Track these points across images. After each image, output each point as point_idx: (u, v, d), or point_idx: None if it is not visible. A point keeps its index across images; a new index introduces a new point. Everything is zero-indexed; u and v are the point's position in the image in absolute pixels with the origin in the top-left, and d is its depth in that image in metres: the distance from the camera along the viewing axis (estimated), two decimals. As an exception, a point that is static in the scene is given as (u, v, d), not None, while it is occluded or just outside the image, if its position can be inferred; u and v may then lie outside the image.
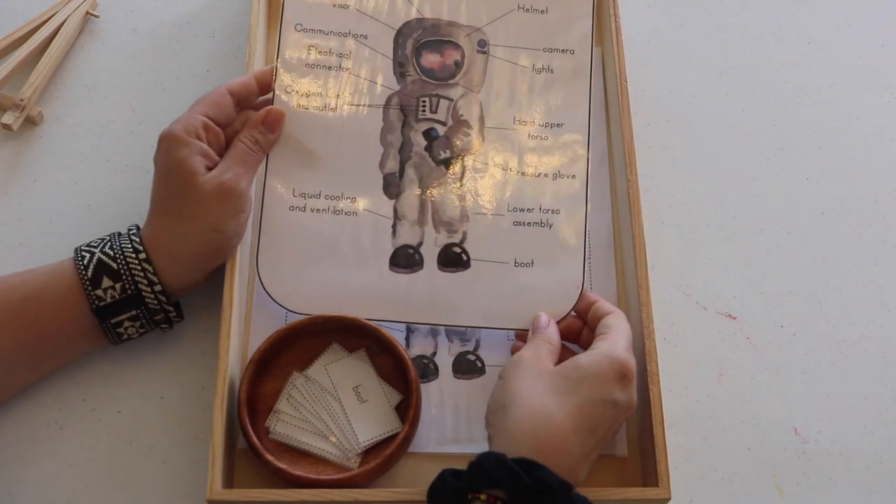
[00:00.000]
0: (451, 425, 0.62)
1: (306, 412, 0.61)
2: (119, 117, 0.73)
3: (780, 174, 0.73)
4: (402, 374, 0.61)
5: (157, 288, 0.59)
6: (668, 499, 0.57)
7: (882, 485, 0.62)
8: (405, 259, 0.64)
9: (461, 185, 0.65)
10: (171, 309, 0.60)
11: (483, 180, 0.66)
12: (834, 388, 0.65)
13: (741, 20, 0.80)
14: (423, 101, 0.67)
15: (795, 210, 0.72)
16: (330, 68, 0.66)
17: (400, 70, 0.67)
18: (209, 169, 0.60)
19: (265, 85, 0.65)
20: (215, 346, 0.60)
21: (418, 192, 0.65)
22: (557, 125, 0.67)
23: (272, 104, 0.64)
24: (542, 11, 0.68)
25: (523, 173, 0.66)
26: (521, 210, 0.65)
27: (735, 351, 0.66)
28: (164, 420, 0.62)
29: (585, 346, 0.60)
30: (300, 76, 0.66)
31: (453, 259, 0.64)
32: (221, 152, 0.62)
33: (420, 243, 0.64)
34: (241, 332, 0.64)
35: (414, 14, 0.68)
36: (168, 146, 0.59)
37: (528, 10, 0.68)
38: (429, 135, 0.66)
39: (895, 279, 0.69)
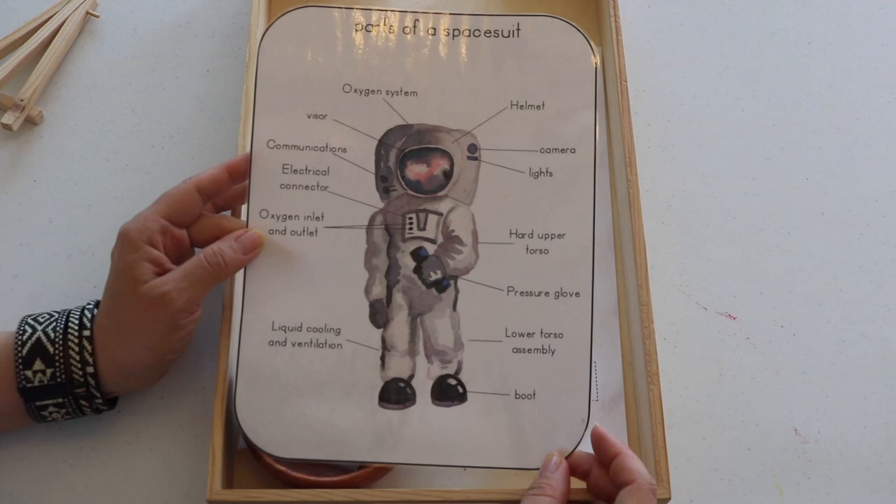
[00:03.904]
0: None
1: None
2: (119, 117, 0.73)
3: (780, 174, 0.73)
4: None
5: (92, 382, 0.57)
6: (669, 499, 0.57)
7: (882, 485, 0.62)
8: (396, 394, 0.59)
9: (455, 310, 0.60)
10: (102, 402, 0.58)
11: (478, 303, 0.60)
12: (834, 388, 0.65)
13: (741, 20, 0.80)
14: (410, 218, 0.61)
15: (795, 210, 0.72)
16: (307, 188, 0.60)
17: (383, 185, 0.61)
18: (158, 275, 0.56)
19: (239, 174, 0.60)
20: (214, 346, 0.60)
21: (408, 319, 0.60)
22: (559, 235, 0.60)
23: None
24: (538, 107, 0.62)
25: (522, 293, 0.60)
26: (521, 335, 0.59)
27: (735, 351, 0.66)
28: (164, 420, 0.62)
29: (595, 489, 0.56)
30: (274, 198, 0.60)
31: (449, 392, 0.59)
32: (182, 257, 0.59)
33: (411, 376, 0.59)
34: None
35: (396, 121, 0.62)
36: (121, 246, 0.57)
37: (522, 106, 0.62)
38: (417, 255, 0.60)
39: (895, 279, 0.69)
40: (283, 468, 0.58)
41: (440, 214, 0.61)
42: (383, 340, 0.59)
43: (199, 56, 0.76)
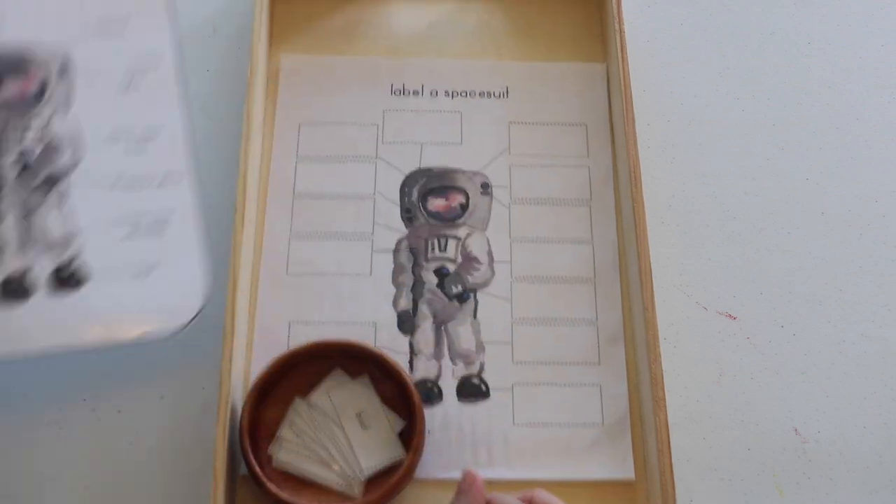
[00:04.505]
0: (457, 450, 0.62)
1: (309, 439, 0.60)
2: (119, 117, 0.73)
3: (780, 174, 0.73)
4: (405, 400, 0.60)
5: None
6: None
7: (882, 485, 0.62)
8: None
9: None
10: None
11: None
12: (834, 388, 0.65)
13: (741, 20, 0.80)
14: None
15: (795, 210, 0.72)
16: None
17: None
18: None
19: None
20: (215, 346, 0.60)
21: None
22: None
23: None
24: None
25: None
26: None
27: (735, 351, 0.66)
28: (164, 420, 0.62)
29: None
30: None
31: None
32: None
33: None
34: (244, 356, 0.63)
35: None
36: None
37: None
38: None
39: (895, 279, 0.69)
40: (285, 496, 0.57)
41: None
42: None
43: (200, 56, 0.76)
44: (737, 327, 0.67)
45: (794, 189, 0.72)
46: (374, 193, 0.69)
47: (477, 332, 0.65)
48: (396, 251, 0.68)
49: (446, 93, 0.73)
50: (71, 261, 0.60)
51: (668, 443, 0.58)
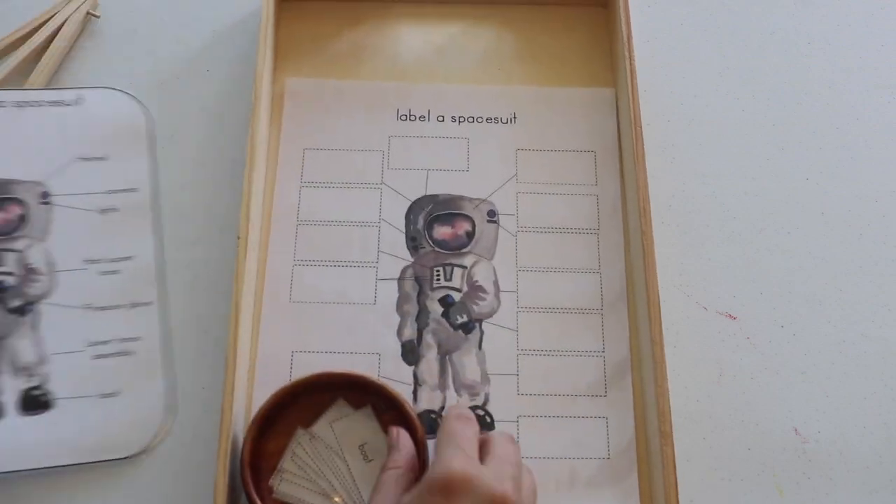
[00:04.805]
0: None
1: (311, 471, 0.59)
2: (119, 117, 0.73)
3: (780, 174, 0.73)
4: (409, 432, 0.59)
5: None
6: None
7: (882, 485, 0.62)
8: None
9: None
10: None
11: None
12: (834, 388, 0.65)
13: (741, 20, 0.80)
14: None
15: (795, 210, 0.72)
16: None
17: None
18: None
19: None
20: (214, 346, 0.60)
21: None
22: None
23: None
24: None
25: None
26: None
27: (735, 351, 0.66)
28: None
29: None
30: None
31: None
32: None
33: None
34: (245, 386, 0.62)
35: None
36: None
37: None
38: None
39: (895, 279, 0.69)
40: None
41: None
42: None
43: (199, 56, 0.76)
44: (737, 327, 0.67)
45: (794, 189, 0.72)
46: (379, 220, 0.68)
47: (482, 362, 0.65)
48: (401, 279, 0.67)
49: (453, 118, 0.72)
50: (40, 384, 0.62)
51: (675, 480, 0.57)
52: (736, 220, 0.71)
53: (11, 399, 0.62)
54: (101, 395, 0.62)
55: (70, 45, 0.75)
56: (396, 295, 0.66)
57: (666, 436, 0.58)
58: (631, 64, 0.70)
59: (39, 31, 0.74)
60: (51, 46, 0.74)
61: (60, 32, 0.75)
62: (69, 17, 0.75)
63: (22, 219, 0.67)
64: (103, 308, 0.65)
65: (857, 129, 0.75)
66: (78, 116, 0.71)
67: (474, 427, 0.55)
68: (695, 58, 0.78)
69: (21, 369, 0.63)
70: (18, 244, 0.66)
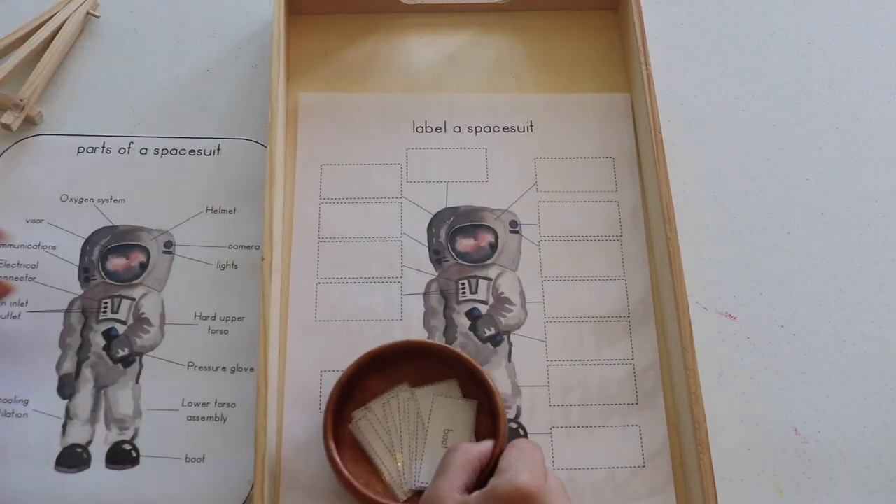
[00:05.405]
0: None
1: (392, 424, 0.60)
2: (118, 117, 0.73)
3: (780, 174, 0.73)
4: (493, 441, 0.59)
5: None
6: None
7: (882, 485, 0.62)
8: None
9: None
10: None
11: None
12: (834, 388, 0.65)
13: (741, 20, 0.80)
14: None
15: (795, 210, 0.72)
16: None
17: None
18: None
19: None
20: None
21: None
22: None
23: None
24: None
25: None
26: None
27: (735, 351, 0.66)
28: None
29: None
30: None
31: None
32: None
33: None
34: (276, 406, 0.62)
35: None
36: None
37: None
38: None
39: (895, 279, 0.69)
40: (335, 457, 0.57)
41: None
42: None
43: (200, 56, 0.76)
44: (737, 327, 0.67)
45: (794, 189, 0.72)
46: (401, 235, 0.68)
47: (512, 374, 0.64)
48: (427, 294, 0.66)
49: (469, 128, 0.71)
50: (131, 438, 0.61)
51: (714, 489, 0.57)
52: (736, 220, 0.71)
53: (101, 450, 0.61)
54: (187, 459, 0.61)
55: (70, 45, 0.75)
56: (423, 310, 0.65)
57: (702, 444, 0.58)
58: (647, 70, 0.69)
59: (39, 31, 0.74)
60: (51, 46, 0.74)
61: (60, 32, 0.75)
62: (69, 17, 0.75)
63: (143, 266, 0.66)
64: (205, 368, 0.63)
65: (857, 129, 0.75)
66: (214, 166, 0.70)
67: (542, 452, 0.55)
68: (695, 58, 0.78)
69: (116, 420, 0.62)
70: (135, 292, 0.65)
